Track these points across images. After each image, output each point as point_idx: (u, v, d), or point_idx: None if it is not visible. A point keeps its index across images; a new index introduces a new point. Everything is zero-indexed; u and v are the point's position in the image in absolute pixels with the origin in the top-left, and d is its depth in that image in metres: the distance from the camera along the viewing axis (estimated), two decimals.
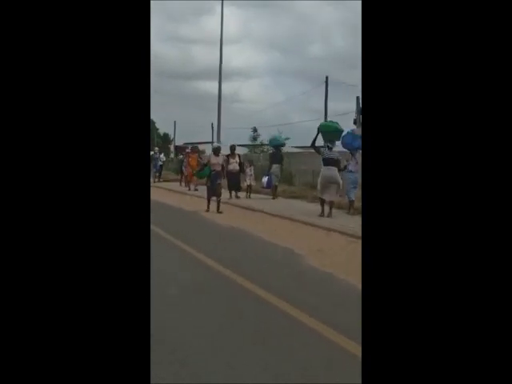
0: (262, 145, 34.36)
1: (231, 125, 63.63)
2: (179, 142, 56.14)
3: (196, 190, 18.18)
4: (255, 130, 40.46)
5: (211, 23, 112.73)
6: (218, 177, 12.08)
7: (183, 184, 20.99)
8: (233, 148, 15.24)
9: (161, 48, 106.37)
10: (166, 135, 63.73)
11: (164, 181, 24.19)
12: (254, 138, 39.85)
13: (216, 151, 12.31)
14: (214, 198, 11.93)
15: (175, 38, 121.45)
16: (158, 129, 64.08)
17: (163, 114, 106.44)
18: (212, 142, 23.65)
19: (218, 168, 12.09)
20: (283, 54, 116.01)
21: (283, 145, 16.69)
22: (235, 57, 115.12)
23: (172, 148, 52.14)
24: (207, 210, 12.06)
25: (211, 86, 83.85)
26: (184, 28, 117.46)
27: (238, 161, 14.99)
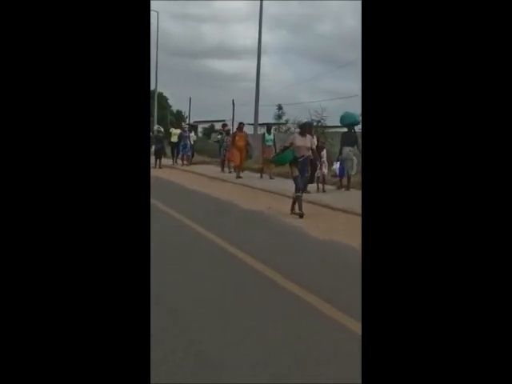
0: (286, 123, 30.85)
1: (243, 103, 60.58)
2: (191, 119, 53.50)
3: (272, 178, 14.90)
4: (280, 107, 37.73)
5: (220, 1, 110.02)
6: (307, 165, 8.79)
7: (227, 169, 17.65)
8: (307, 127, 9.86)
9: (170, 25, 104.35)
10: (179, 112, 60.28)
11: (195, 164, 20.80)
12: (279, 116, 36.83)
13: (305, 129, 8.93)
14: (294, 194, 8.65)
15: (184, 15, 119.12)
16: (171, 106, 60.61)
17: (174, 92, 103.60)
18: (232, 120, 20.87)
19: (307, 153, 8.77)
20: (291, 33, 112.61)
21: (358, 123, 13.33)
22: (245, 35, 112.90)
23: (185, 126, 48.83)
24: (294, 212, 8.69)
25: (220, 65, 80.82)
26: (193, 6, 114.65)
27: (316, 143, 10.43)
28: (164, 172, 17.51)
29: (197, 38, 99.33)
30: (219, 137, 19.25)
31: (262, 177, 15.34)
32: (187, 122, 50.01)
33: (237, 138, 16.08)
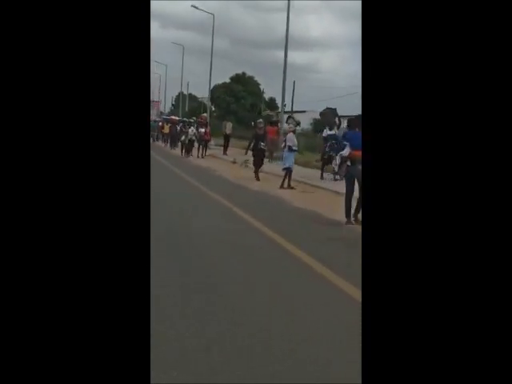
0: None
1: (310, 95, 54.55)
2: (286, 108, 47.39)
3: None
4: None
5: None
6: None
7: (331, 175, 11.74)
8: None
9: (241, 16, 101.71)
10: (272, 100, 54.28)
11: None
12: None
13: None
14: None
15: (254, 6, 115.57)
16: (263, 92, 54.81)
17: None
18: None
19: None
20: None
21: None
22: (314, 26, 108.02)
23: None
24: None
25: (289, 56, 75.05)
26: None
27: None
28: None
29: (267, 28, 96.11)
30: (331, 132, 12.88)
31: None
32: (279, 111, 44.37)
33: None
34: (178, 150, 22.79)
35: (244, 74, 54.97)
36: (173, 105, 76.37)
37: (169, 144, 25.62)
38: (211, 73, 33.03)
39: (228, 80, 54.59)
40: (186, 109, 58.23)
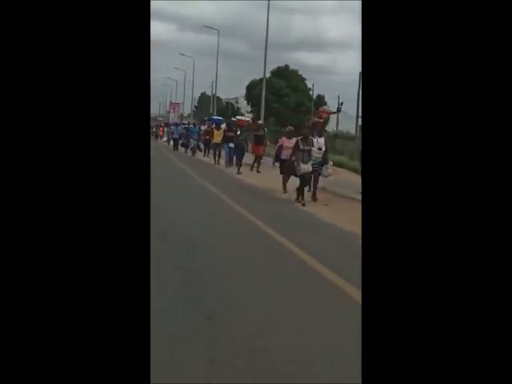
0: None
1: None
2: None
3: None
4: None
5: None
6: None
7: None
8: None
9: (259, 17, 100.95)
10: (320, 98, 44.65)
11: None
12: None
13: None
14: None
15: (273, 6, 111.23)
16: (310, 88, 45.21)
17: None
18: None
19: None
20: None
21: None
22: (333, 27, 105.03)
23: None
24: None
25: (306, 56, 68.36)
26: None
27: None
28: None
29: (285, 29, 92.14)
30: None
31: None
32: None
33: None
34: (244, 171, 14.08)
35: (287, 66, 45.64)
36: (195, 106, 68.37)
37: (225, 159, 16.27)
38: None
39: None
40: (211, 110, 50.63)
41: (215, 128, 17.22)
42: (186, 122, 27.66)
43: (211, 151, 18.72)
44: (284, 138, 10.75)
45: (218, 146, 16.76)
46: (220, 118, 19.62)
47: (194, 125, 23.76)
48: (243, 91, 50.02)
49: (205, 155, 20.16)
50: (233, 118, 19.03)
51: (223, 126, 17.04)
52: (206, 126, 20.68)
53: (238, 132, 15.61)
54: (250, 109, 46.08)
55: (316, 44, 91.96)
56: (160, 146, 29.11)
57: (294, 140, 9.64)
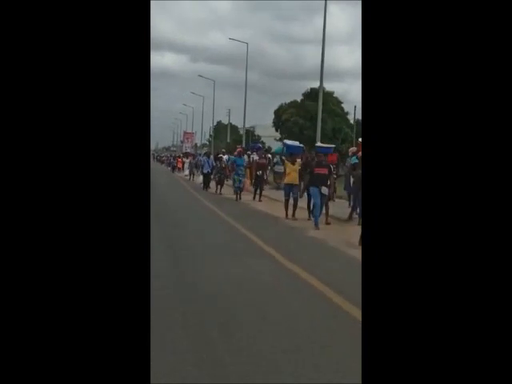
0: None
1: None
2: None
3: None
4: None
5: (321, 22, 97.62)
6: None
7: None
8: None
9: (271, 47, 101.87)
10: (359, 124, 38.28)
11: None
12: None
13: None
14: None
15: (285, 37, 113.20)
16: (347, 113, 39.12)
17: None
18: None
19: None
20: None
21: None
22: (346, 57, 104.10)
23: None
24: None
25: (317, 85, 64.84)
26: (294, 27, 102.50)
27: None
28: None
29: (298, 59, 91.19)
30: None
31: None
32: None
33: None
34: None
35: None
36: (210, 135, 62.89)
37: (312, 215, 9.49)
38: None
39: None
40: (228, 139, 44.81)
41: (288, 160, 10.67)
42: (207, 152, 21.59)
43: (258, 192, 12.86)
44: None
45: (292, 188, 10.28)
46: (296, 143, 13.15)
47: (228, 158, 17.57)
48: (256, 120, 44.57)
49: (254, 198, 13.81)
50: (318, 144, 12.66)
51: (298, 158, 10.74)
52: (257, 157, 14.32)
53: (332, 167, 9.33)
54: (278, 136, 39.98)
55: (329, 73, 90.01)
56: (181, 183, 22.82)
57: None
